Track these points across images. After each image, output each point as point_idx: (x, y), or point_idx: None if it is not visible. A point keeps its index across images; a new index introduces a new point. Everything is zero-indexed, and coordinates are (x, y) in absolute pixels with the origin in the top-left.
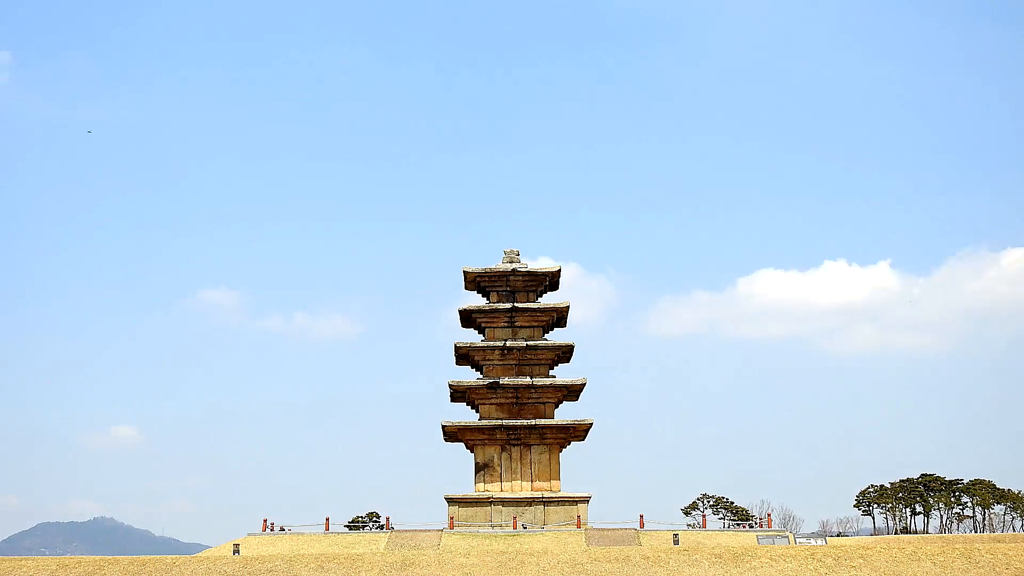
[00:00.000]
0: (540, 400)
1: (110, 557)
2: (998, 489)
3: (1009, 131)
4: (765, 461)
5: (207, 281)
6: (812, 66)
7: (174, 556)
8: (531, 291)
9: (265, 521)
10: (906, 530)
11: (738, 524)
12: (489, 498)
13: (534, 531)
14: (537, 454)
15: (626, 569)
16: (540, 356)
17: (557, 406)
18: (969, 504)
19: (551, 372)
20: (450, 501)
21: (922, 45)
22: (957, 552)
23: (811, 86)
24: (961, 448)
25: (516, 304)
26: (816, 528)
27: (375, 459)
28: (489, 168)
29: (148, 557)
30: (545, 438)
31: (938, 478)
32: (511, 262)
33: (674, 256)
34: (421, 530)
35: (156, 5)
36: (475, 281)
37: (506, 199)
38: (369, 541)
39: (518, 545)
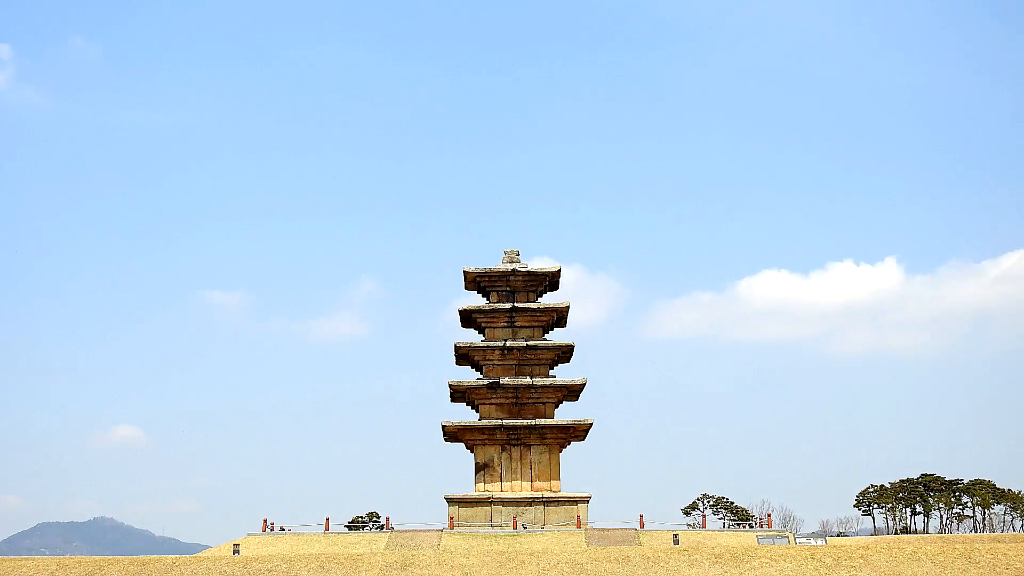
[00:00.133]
0: (540, 400)
1: (110, 557)
2: (998, 489)
3: (1011, 131)
4: (765, 461)
5: (209, 281)
6: (816, 65)
7: (174, 556)
8: (531, 291)
9: (265, 521)
10: (906, 530)
11: (738, 524)
12: (489, 498)
13: (534, 531)
14: (537, 454)
15: (626, 569)
16: (540, 356)
17: (557, 406)
18: (969, 504)
19: (551, 372)
20: (450, 501)
21: (931, 45)
22: (957, 552)
23: (814, 86)
24: (961, 448)
25: (516, 304)
26: (816, 528)
27: (375, 459)
28: (490, 168)
29: (148, 557)
30: (545, 438)
31: (938, 478)
32: (511, 262)
33: (675, 257)
34: (421, 530)
35: (159, 5)
36: (475, 281)
37: (507, 199)
38: (369, 541)
39: (518, 545)
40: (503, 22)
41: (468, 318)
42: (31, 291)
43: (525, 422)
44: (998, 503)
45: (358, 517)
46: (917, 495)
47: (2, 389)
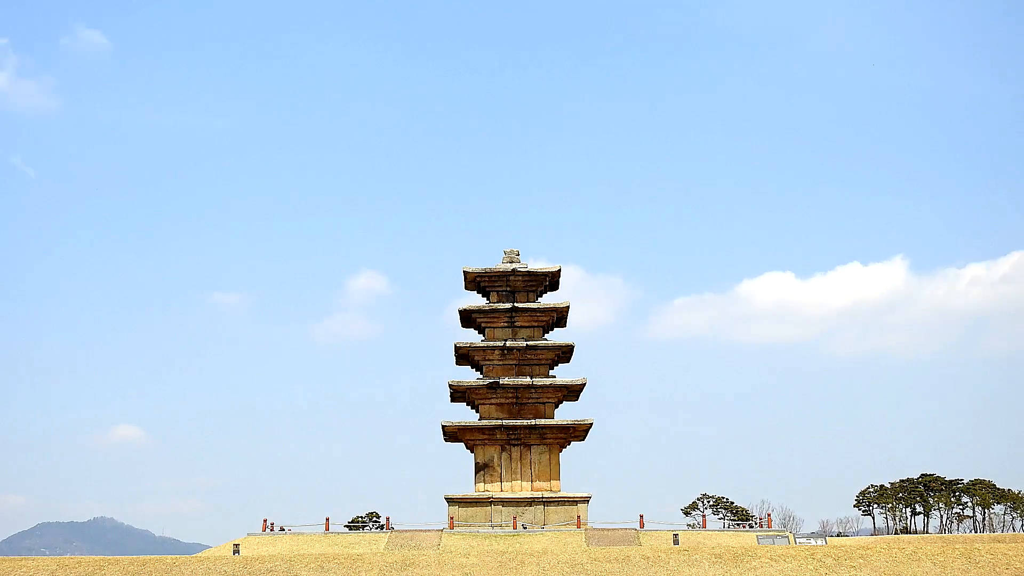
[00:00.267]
0: (540, 400)
1: (110, 557)
2: (998, 489)
3: (1012, 132)
4: (765, 461)
5: (208, 281)
6: (816, 66)
7: (174, 556)
8: (531, 291)
9: (265, 521)
10: (906, 530)
11: (738, 524)
12: (489, 498)
13: (534, 531)
14: (537, 454)
15: (626, 569)
16: (540, 356)
17: (557, 406)
18: (969, 504)
19: (551, 372)
20: (450, 501)
21: (932, 45)
22: (957, 552)
23: (814, 87)
24: (961, 448)
25: (516, 304)
26: (816, 528)
27: (375, 459)
28: (490, 168)
29: (148, 557)
30: (545, 438)
31: (938, 478)
32: (511, 262)
33: (677, 258)
34: (421, 530)
35: (161, 5)
36: (475, 281)
37: (507, 199)
38: (369, 541)
39: (518, 545)
40: (504, 22)
41: (468, 318)
42: (32, 291)
43: (525, 422)
44: (998, 503)
45: (358, 517)
46: (917, 495)
47: (2, 389)
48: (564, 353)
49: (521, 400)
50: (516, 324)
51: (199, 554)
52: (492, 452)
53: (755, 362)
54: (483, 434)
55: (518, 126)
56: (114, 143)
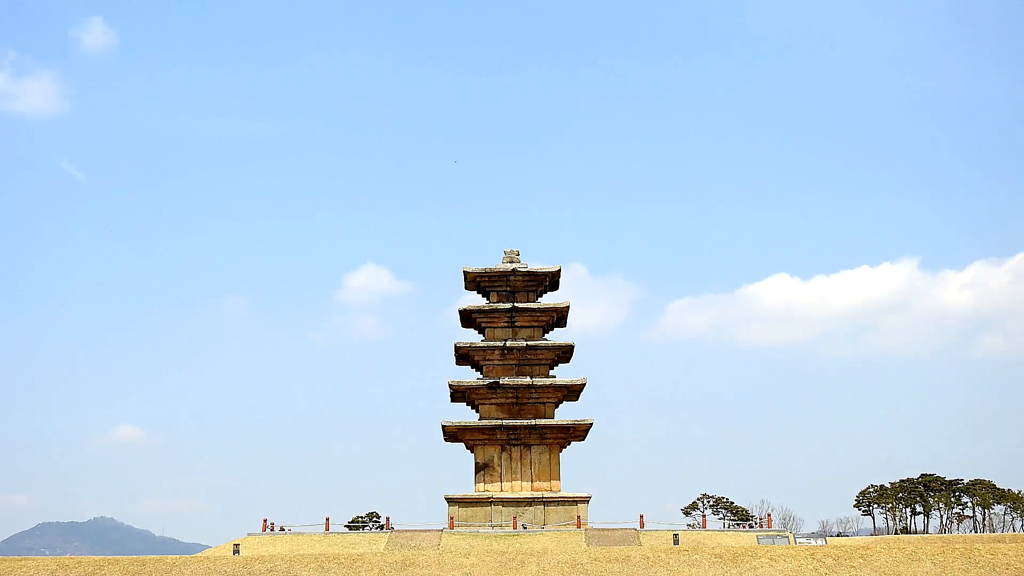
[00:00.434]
0: (540, 400)
1: (110, 557)
2: (998, 489)
3: (1013, 133)
4: (765, 461)
5: (209, 282)
6: (824, 66)
7: (174, 556)
8: (531, 291)
9: (265, 521)
10: (906, 530)
11: (738, 524)
12: (489, 498)
13: (534, 531)
14: (537, 454)
15: (626, 569)
16: (540, 356)
17: (557, 406)
18: (969, 504)
19: (551, 372)
20: (450, 501)
21: (933, 44)
22: (957, 552)
23: (816, 87)
24: (961, 448)
25: (516, 304)
26: (816, 528)
27: (375, 459)
28: (490, 168)
29: (148, 557)
30: (545, 438)
31: (938, 478)
32: (511, 262)
33: (676, 259)
34: (421, 530)
35: (166, 6)
36: (475, 281)
37: (508, 199)
38: (369, 541)
39: (518, 545)
40: (504, 22)
41: (468, 318)
42: (33, 291)
43: (525, 422)
44: (998, 503)
45: (358, 517)
46: (917, 495)
47: (3, 389)
48: (564, 353)
49: (521, 400)
50: (516, 324)
51: (199, 554)
52: (492, 452)
53: (755, 362)
54: (483, 434)
55: (518, 126)
56: (114, 143)
